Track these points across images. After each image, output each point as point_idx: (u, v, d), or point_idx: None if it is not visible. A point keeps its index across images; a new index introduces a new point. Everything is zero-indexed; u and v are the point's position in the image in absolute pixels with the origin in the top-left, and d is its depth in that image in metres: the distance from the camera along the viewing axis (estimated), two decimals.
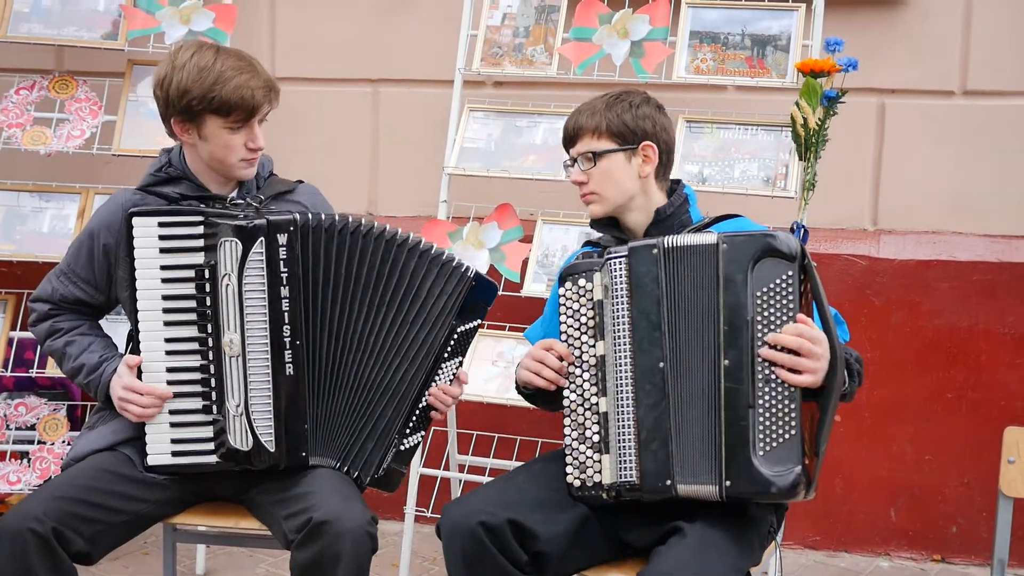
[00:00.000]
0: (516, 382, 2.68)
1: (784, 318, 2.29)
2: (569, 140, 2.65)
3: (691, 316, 2.37)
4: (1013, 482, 2.63)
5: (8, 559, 2.40)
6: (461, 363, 2.65)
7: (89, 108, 3.82)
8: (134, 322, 2.56)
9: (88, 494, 2.49)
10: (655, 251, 2.39)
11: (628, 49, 3.57)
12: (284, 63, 4.25)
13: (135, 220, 2.50)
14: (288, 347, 2.52)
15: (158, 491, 2.59)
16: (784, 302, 2.30)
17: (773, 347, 2.28)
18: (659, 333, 2.38)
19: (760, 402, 2.30)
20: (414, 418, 2.62)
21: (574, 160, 2.63)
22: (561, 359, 2.47)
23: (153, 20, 3.77)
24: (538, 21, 3.72)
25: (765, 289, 2.30)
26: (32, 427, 3.72)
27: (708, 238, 2.37)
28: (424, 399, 2.61)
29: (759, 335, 2.30)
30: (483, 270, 3.56)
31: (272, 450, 2.54)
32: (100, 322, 2.79)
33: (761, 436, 2.29)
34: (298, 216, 2.53)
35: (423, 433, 2.67)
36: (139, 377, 2.56)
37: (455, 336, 2.61)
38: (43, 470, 3.61)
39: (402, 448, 2.63)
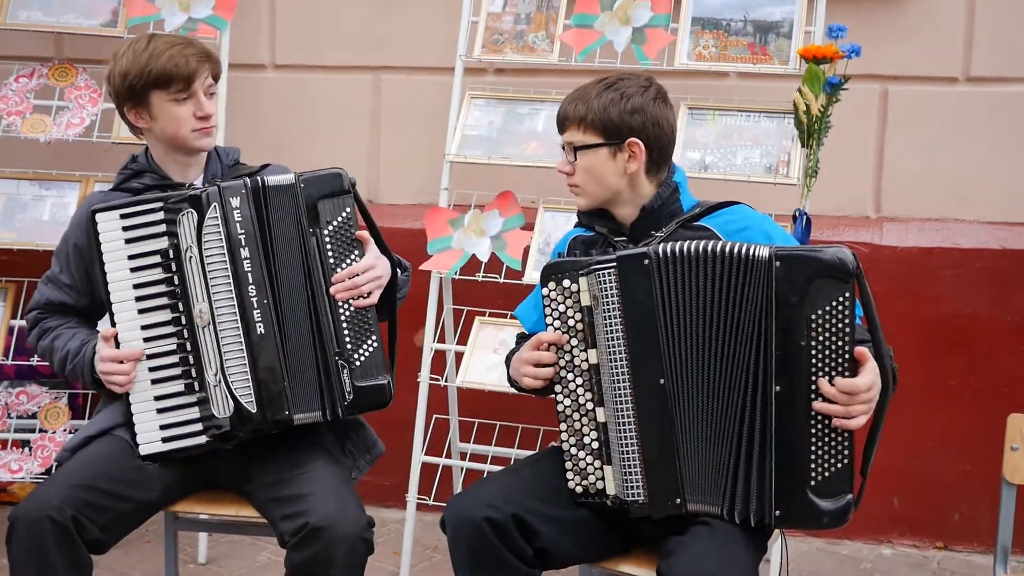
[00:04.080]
0: (509, 376, 2.65)
1: (839, 343, 2.21)
2: (559, 125, 2.56)
3: (705, 329, 2.29)
4: (1016, 469, 2.62)
5: (24, 548, 2.40)
6: None
7: (89, 96, 3.80)
8: (112, 317, 2.59)
9: (100, 481, 2.50)
10: (646, 261, 2.32)
11: (630, 36, 3.55)
12: (284, 50, 4.24)
13: (98, 217, 2.56)
14: (256, 306, 2.54)
15: (162, 477, 2.60)
16: (840, 326, 2.20)
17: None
18: (657, 347, 2.31)
19: (814, 431, 2.24)
20: None
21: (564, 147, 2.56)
22: (553, 346, 2.43)
23: (152, 7, 3.76)
24: (539, 8, 3.70)
25: (820, 312, 2.20)
26: (33, 415, 3.72)
27: (745, 251, 2.24)
28: None
29: (815, 361, 2.21)
30: (485, 257, 3.57)
31: (253, 411, 2.55)
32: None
33: (814, 466, 2.24)
34: (248, 180, 2.56)
35: None
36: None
37: None
38: (45, 458, 3.61)
39: None
